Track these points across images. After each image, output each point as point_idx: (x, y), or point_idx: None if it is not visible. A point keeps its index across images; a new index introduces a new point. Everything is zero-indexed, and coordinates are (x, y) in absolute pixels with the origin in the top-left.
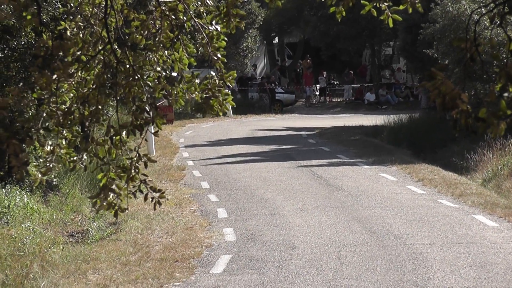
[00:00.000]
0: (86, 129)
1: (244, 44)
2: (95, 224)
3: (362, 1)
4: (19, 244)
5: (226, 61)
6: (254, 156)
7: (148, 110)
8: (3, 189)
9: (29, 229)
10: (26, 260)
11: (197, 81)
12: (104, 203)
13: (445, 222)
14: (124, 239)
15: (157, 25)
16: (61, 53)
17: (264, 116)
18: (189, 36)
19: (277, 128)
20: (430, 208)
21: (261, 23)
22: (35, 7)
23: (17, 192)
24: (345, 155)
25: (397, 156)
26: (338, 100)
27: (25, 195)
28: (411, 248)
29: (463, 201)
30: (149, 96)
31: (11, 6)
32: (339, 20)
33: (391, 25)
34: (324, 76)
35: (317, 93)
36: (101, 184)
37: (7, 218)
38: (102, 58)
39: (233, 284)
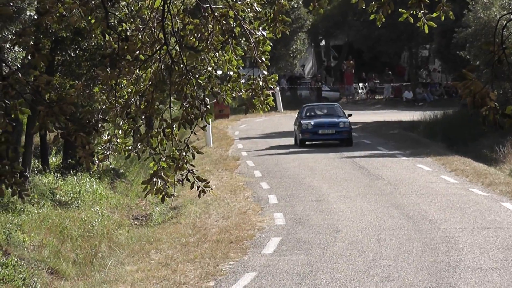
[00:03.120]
0: (141, 121)
1: (294, 46)
2: (158, 209)
3: (400, 10)
4: (89, 226)
5: (269, 64)
6: (301, 148)
7: (198, 106)
8: (75, 176)
9: (98, 212)
10: (95, 241)
11: (242, 81)
12: (154, 189)
13: (475, 208)
14: (183, 222)
15: (210, 29)
16: (127, 54)
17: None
18: (240, 40)
19: None
20: (461, 196)
21: (309, 27)
22: (103, 11)
23: (87, 179)
24: (384, 147)
25: (432, 148)
26: (379, 97)
27: (94, 182)
28: (444, 232)
29: (492, 190)
30: (200, 93)
31: (81, 10)
32: (379, 25)
33: (426, 31)
34: (364, 77)
35: (360, 91)
36: (151, 172)
37: (78, 202)
38: (158, 57)
39: (282, 263)
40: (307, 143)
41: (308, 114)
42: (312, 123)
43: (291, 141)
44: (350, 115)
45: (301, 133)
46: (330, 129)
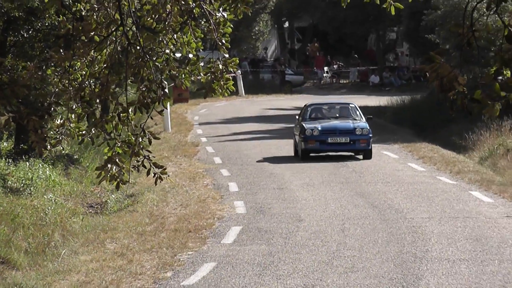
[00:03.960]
0: (96, 105)
1: (256, 28)
2: (113, 196)
3: None
4: (42, 214)
5: (230, 46)
6: (264, 134)
7: (155, 90)
8: (27, 162)
9: (51, 200)
10: (48, 229)
11: (202, 64)
12: (108, 175)
13: (443, 197)
14: (140, 211)
15: (168, 10)
16: (81, 35)
17: (275, 96)
18: (200, 21)
19: (287, 107)
20: (429, 184)
21: (273, 8)
22: None
23: (40, 165)
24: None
25: (399, 135)
26: (344, 82)
27: (47, 168)
28: (410, 221)
29: (460, 178)
30: (157, 76)
31: None
32: (344, 6)
33: (393, 12)
34: (329, 60)
35: (325, 75)
36: (105, 157)
37: (30, 189)
38: (114, 39)
39: (242, 253)
40: (311, 154)
41: (313, 115)
42: (319, 128)
43: (253, 126)
44: (370, 118)
45: (303, 141)
46: (344, 137)
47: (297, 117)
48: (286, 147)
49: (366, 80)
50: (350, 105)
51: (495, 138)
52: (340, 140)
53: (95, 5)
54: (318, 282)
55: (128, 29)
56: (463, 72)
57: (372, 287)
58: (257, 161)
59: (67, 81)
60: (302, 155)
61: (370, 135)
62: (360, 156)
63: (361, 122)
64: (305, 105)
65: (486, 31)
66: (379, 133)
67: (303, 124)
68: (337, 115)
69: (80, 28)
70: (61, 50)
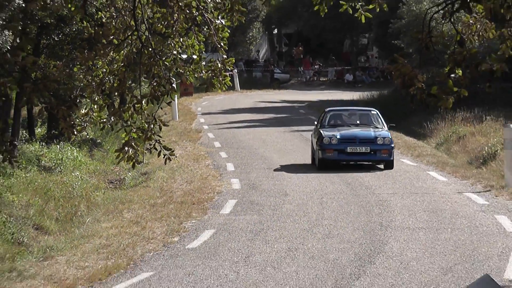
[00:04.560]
0: (114, 97)
1: (250, 34)
2: (130, 174)
3: (340, 1)
4: (70, 189)
5: (227, 48)
6: (256, 123)
7: (164, 85)
8: (57, 145)
9: (78, 177)
10: (75, 201)
11: (203, 63)
12: (125, 156)
13: (406, 176)
14: (152, 186)
15: (175, 17)
16: (102, 38)
17: (265, 91)
18: (202, 27)
19: (275, 100)
20: (394, 165)
21: (264, 17)
22: (82, 0)
23: (68, 148)
24: None
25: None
26: (324, 79)
27: (74, 150)
28: (378, 196)
29: (420, 161)
30: (166, 73)
31: None
32: (323, 16)
33: (363, 21)
34: (311, 61)
35: (309, 73)
36: (123, 141)
37: (60, 168)
38: (130, 42)
39: (237, 222)
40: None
41: (332, 122)
42: (338, 136)
43: (247, 116)
44: (392, 126)
45: (321, 149)
46: (364, 146)
47: (315, 123)
48: (274, 133)
49: (342, 78)
50: (372, 111)
51: (449, 127)
52: (360, 150)
53: (114, 13)
54: (300, 246)
55: (142, 33)
56: (422, 72)
57: (345, 250)
58: (250, 146)
59: (90, 77)
60: (319, 165)
61: (392, 145)
62: (381, 166)
63: (383, 131)
64: (324, 111)
65: (442, 37)
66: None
67: (321, 131)
68: (358, 122)
69: (101, 32)
70: (85, 51)
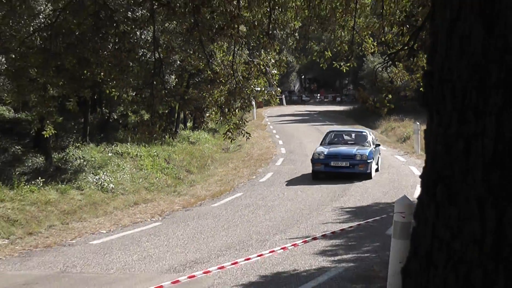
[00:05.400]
0: (223, 108)
1: (290, 78)
2: (232, 146)
3: (333, 62)
4: (203, 152)
5: (278, 84)
6: (293, 121)
7: (248, 102)
8: (197, 131)
9: (207, 147)
10: (206, 159)
11: (266, 91)
12: (228, 137)
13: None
14: (242, 151)
15: (252, 69)
16: (217, 78)
17: (298, 105)
18: (265, 74)
19: (303, 110)
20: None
21: (297, 69)
22: (206, 60)
23: (202, 132)
24: (329, 121)
25: (348, 122)
26: (326, 100)
27: (205, 134)
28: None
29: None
30: (249, 97)
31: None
32: (324, 68)
33: (344, 71)
34: (321, 91)
35: (319, 97)
36: (226, 129)
37: (198, 142)
38: (230, 81)
39: (284, 169)
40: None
41: (328, 140)
42: (325, 153)
43: (289, 117)
44: (378, 145)
45: (311, 163)
46: (344, 161)
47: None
48: (302, 126)
49: (335, 99)
50: (363, 132)
51: (387, 123)
52: (341, 164)
53: (222, 66)
54: (319, 183)
55: (237, 76)
56: (373, 96)
57: (336, 182)
58: (291, 133)
59: (211, 98)
60: (312, 176)
61: (369, 161)
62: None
63: (365, 149)
64: (327, 131)
65: (382, 78)
66: (340, 121)
67: (316, 148)
68: (350, 140)
69: (216, 76)
70: (209, 85)
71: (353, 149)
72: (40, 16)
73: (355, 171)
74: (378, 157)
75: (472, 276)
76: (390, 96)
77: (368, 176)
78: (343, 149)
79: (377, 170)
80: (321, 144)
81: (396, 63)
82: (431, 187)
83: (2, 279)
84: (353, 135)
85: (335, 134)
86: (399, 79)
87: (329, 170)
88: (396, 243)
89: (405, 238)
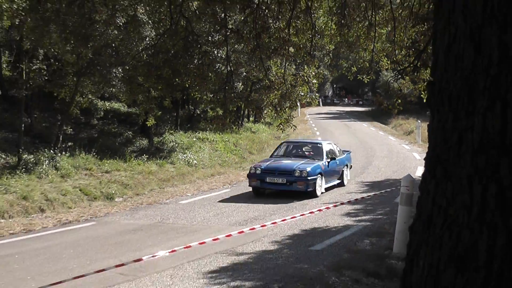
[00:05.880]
0: (277, 108)
1: (325, 86)
2: (283, 134)
3: (358, 75)
4: (261, 139)
5: (317, 91)
6: (327, 118)
7: (295, 103)
8: (257, 124)
9: (264, 135)
10: (263, 143)
11: (307, 96)
12: (280, 128)
13: (380, 139)
14: (288, 138)
15: (298, 80)
16: (272, 86)
17: (331, 106)
18: (307, 83)
19: (334, 110)
20: (376, 134)
21: (331, 79)
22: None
23: (261, 125)
24: (353, 118)
25: (368, 120)
26: (351, 102)
27: (262, 125)
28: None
29: (384, 132)
30: (296, 99)
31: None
32: (351, 80)
33: (366, 82)
34: (348, 96)
35: (346, 100)
36: (278, 123)
37: (258, 133)
38: (281, 88)
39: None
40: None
41: (280, 152)
42: (262, 167)
43: (324, 115)
44: (348, 151)
45: (248, 177)
46: (281, 177)
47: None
48: (334, 122)
49: (358, 102)
50: (318, 144)
51: (396, 120)
52: (277, 181)
53: (276, 77)
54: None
55: (287, 85)
56: (386, 100)
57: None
58: (325, 126)
59: (267, 99)
60: (253, 191)
61: (311, 177)
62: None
63: (310, 164)
64: (281, 143)
65: (394, 87)
66: (363, 119)
67: (257, 162)
68: (307, 151)
69: (271, 84)
70: (266, 91)
71: (295, 164)
72: (146, 39)
73: (292, 188)
74: (346, 167)
75: (462, 235)
76: (399, 100)
77: (312, 195)
78: (283, 163)
79: (342, 183)
80: (271, 156)
81: (404, 76)
82: (432, 167)
83: (118, 225)
84: (309, 146)
85: (291, 146)
86: (406, 88)
87: (266, 187)
88: (402, 209)
89: (408, 205)
